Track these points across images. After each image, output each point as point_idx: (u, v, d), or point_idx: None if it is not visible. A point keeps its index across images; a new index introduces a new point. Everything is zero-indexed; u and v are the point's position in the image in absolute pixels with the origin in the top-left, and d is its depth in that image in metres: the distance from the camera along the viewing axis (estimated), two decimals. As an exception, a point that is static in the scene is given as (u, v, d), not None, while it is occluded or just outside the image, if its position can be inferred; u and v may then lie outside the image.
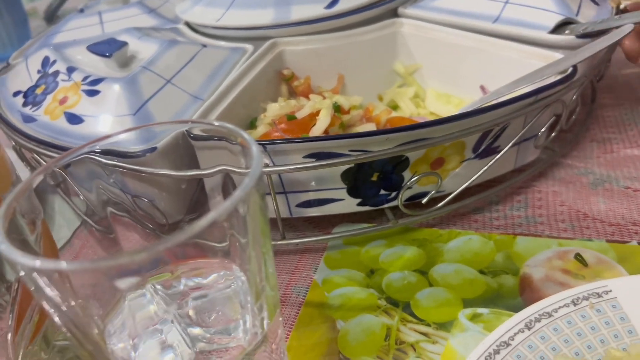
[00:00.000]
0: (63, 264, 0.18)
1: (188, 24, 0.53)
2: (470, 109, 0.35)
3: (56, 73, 0.43)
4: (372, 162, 0.35)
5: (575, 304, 0.29)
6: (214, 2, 0.50)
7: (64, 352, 0.32)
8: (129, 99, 0.39)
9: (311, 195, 0.37)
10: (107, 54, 0.43)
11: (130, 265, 0.18)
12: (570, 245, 0.36)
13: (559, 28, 0.42)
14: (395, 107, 0.48)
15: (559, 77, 0.37)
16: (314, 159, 0.34)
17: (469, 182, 0.37)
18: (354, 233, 0.39)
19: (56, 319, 0.20)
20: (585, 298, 0.29)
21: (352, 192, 0.37)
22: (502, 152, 0.37)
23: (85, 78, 0.41)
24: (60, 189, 0.29)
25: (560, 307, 0.29)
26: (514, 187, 0.42)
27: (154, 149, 0.32)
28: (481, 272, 0.35)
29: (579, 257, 0.35)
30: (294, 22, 0.46)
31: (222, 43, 0.48)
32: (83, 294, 0.19)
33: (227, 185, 0.26)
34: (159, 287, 0.25)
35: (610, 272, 0.34)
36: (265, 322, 0.22)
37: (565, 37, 0.41)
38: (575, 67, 0.38)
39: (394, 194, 0.37)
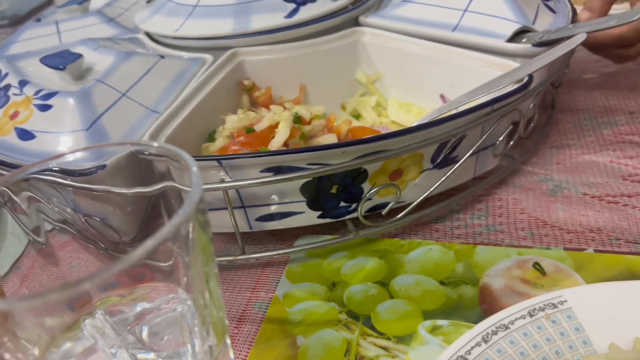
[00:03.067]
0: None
1: (148, 34, 0.52)
2: (426, 121, 0.35)
3: (7, 87, 0.42)
4: (330, 175, 0.34)
5: (531, 315, 0.29)
6: (173, 12, 0.49)
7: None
8: (82, 113, 0.38)
9: (271, 209, 0.37)
10: (61, 67, 0.42)
11: (69, 297, 0.18)
12: (529, 254, 0.36)
13: (516, 36, 0.42)
14: (357, 116, 0.48)
15: (515, 86, 0.37)
16: (271, 173, 0.34)
17: (428, 192, 0.37)
18: (316, 246, 0.39)
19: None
20: (541, 309, 0.29)
21: (312, 205, 0.37)
22: (460, 162, 0.37)
23: (37, 92, 0.40)
24: (8, 207, 0.28)
25: (516, 319, 0.29)
26: (475, 195, 0.42)
27: (103, 166, 0.31)
28: (441, 282, 0.35)
29: (537, 266, 0.35)
30: (253, 31, 0.46)
31: (182, 53, 0.47)
32: (16, 331, 0.19)
33: (175, 200, 0.26)
34: (106, 313, 0.24)
35: (568, 281, 0.34)
36: (213, 347, 0.22)
37: (522, 46, 0.41)
38: (531, 76, 0.38)
39: (354, 205, 0.37)
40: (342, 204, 0.37)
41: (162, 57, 0.45)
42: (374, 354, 0.31)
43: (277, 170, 0.34)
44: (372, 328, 0.33)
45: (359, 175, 0.35)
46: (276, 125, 0.39)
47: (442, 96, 0.45)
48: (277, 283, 0.38)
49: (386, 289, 0.36)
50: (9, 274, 0.32)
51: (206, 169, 0.34)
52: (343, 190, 0.36)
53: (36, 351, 0.21)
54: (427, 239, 0.39)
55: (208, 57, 0.46)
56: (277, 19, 0.46)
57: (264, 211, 0.37)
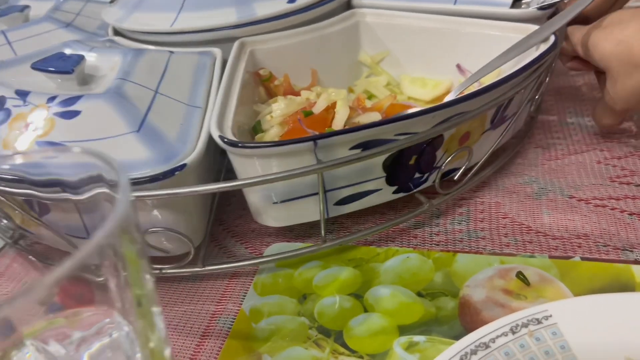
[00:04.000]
0: None
1: (120, 34, 0.49)
2: (495, 81, 0.35)
3: (1, 100, 0.36)
4: (411, 145, 0.34)
5: (513, 332, 0.27)
6: (158, 7, 0.46)
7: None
8: (124, 114, 0.34)
9: (349, 190, 0.36)
10: (70, 70, 0.37)
11: None
12: (512, 262, 0.34)
13: (515, 3, 0.43)
14: (370, 96, 0.47)
15: (544, 45, 0.38)
16: (360, 150, 0.33)
17: (491, 149, 0.39)
18: (287, 255, 0.36)
19: None
20: (525, 325, 0.27)
21: (390, 180, 0.36)
22: (515, 117, 0.39)
23: (50, 99, 0.35)
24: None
25: (498, 337, 0.27)
26: (457, 199, 0.40)
27: (182, 166, 0.31)
28: (419, 294, 0.33)
29: (520, 276, 0.33)
30: (259, 19, 0.44)
31: (181, 49, 0.44)
32: None
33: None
34: (37, 343, 0.22)
35: (553, 291, 0.32)
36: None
37: (527, 10, 0.43)
38: (555, 34, 0.39)
39: (426, 175, 0.37)
40: (417, 175, 0.37)
41: (172, 52, 0.42)
42: (345, 375, 0.29)
43: (365, 145, 0.33)
44: (344, 345, 0.31)
45: (436, 141, 0.35)
46: (333, 105, 0.38)
47: (458, 66, 0.45)
48: (244, 295, 0.35)
49: (360, 301, 0.33)
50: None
51: (295, 154, 0.33)
52: (420, 160, 0.36)
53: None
54: (405, 246, 0.37)
55: (216, 50, 0.44)
56: (281, 5, 0.44)
57: (344, 193, 0.36)
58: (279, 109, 0.39)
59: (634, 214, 0.37)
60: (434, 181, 0.37)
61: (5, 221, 0.27)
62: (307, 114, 0.38)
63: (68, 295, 0.20)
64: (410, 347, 0.30)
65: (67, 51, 0.41)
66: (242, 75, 0.41)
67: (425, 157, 0.36)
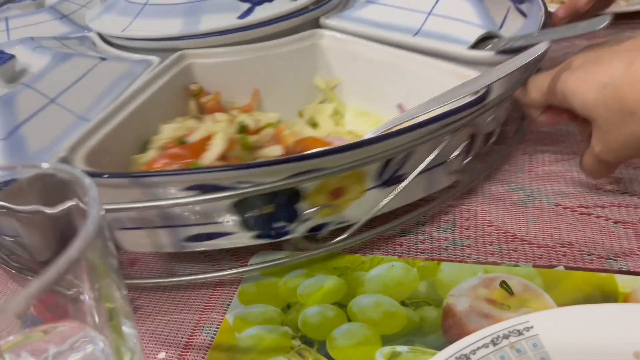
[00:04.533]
0: None
1: (99, 33, 0.49)
2: (372, 136, 0.32)
3: None
4: (260, 194, 0.31)
5: (494, 344, 0.27)
6: (123, 11, 0.46)
7: None
8: (2, 121, 0.34)
9: (199, 229, 0.34)
10: None
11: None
12: (496, 271, 0.34)
13: (482, 42, 0.40)
14: (315, 124, 0.45)
15: (471, 98, 0.34)
16: (196, 192, 0.31)
17: (372, 213, 0.34)
18: (270, 265, 0.36)
19: None
20: (506, 336, 0.27)
21: (246, 225, 0.34)
22: (406, 182, 0.34)
23: None
24: None
25: (478, 348, 0.27)
26: (443, 206, 0.40)
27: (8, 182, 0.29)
28: (403, 303, 0.33)
29: (504, 285, 0.33)
30: (203, 33, 0.43)
31: (129, 55, 0.44)
32: None
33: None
34: (15, 357, 0.22)
35: (536, 301, 0.32)
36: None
37: (484, 53, 0.39)
38: (488, 87, 0.35)
39: (293, 225, 0.34)
40: (279, 224, 0.34)
41: (104, 59, 0.42)
42: (327, 386, 0.29)
43: (201, 188, 0.30)
44: (327, 356, 0.31)
45: (293, 195, 0.32)
46: (210, 137, 0.36)
47: (399, 106, 0.42)
48: (229, 305, 0.35)
49: (344, 310, 0.33)
50: None
51: (121, 187, 0.31)
52: (279, 210, 0.33)
53: None
54: (390, 255, 0.37)
55: (154, 59, 0.43)
56: (229, 20, 0.43)
57: (194, 231, 0.34)
58: (166, 130, 0.38)
59: (619, 222, 0.37)
60: (303, 232, 0.34)
61: None
62: (182, 142, 0.37)
63: (44, 308, 0.20)
64: (392, 358, 0.30)
65: (15, 49, 0.42)
66: (159, 87, 0.40)
67: (283, 209, 0.33)
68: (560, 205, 0.39)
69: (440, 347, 0.29)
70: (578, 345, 0.26)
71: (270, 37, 0.45)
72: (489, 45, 0.39)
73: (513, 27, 0.41)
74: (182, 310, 0.35)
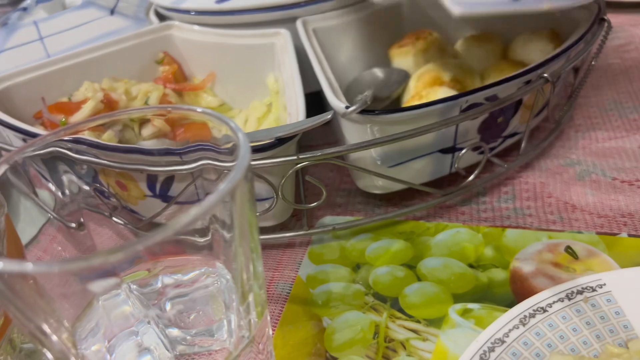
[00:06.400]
0: (29, 266, 0.16)
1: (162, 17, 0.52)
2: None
3: None
4: None
5: (569, 299, 0.28)
6: None
7: (32, 356, 0.30)
8: None
9: None
10: None
11: (104, 266, 0.17)
12: (560, 237, 0.35)
13: None
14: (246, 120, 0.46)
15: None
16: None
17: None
18: (341, 226, 0.38)
19: (20, 323, 0.19)
20: (580, 292, 0.29)
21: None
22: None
23: None
24: (24, 182, 0.26)
25: (554, 302, 0.28)
26: (501, 179, 0.41)
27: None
28: (470, 266, 0.34)
29: (569, 250, 0.34)
30: (184, 9, 0.47)
31: (135, 15, 0.51)
32: (50, 297, 0.18)
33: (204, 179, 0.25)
34: (134, 286, 0.23)
35: (602, 265, 0.33)
36: (253, 323, 0.21)
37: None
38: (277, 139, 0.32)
39: None
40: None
41: (112, 13, 0.48)
42: (404, 337, 0.31)
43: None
44: (401, 310, 0.32)
45: None
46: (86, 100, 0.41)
47: None
48: (300, 264, 0.37)
49: (413, 271, 0.35)
50: (28, 248, 0.31)
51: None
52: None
53: (67, 322, 0.20)
54: (454, 222, 0.38)
55: (154, 20, 0.49)
56: (208, 3, 0.46)
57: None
58: (84, 87, 0.43)
59: (677, 195, 0.38)
60: None
61: (108, 198, 0.29)
62: (69, 99, 0.43)
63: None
64: (465, 314, 0.31)
65: None
66: (129, 46, 0.47)
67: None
68: (617, 179, 0.40)
69: (510, 305, 0.30)
70: (650, 301, 0.28)
71: (251, 27, 0.46)
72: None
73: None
74: (255, 268, 0.37)
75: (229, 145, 0.21)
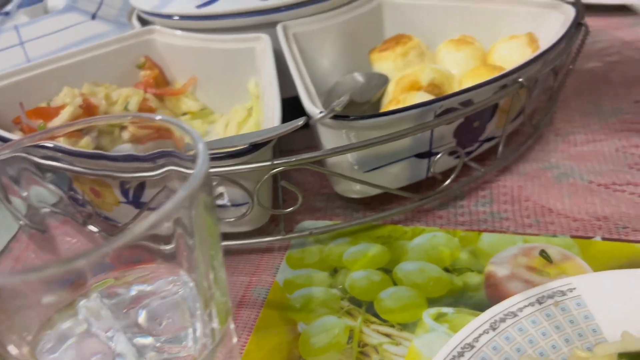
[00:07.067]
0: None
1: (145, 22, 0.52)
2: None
3: None
4: None
5: (540, 303, 0.29)
6: None
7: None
8: None
9: None
10: None
11: (66, 274, 0.17)
12: (535, 241, 0.35)
13: None
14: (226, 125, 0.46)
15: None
16: None
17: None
18: (319, 231, 0.38)
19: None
20: (550, 296, 0.29)
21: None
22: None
23: None
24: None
25: (525, 307, 0.28)
26: (479, 183, 0.42)
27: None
28: (446, 270, 0.35)
29: (544, 254, 0.34)
30: (165, 14, 0.47)
31: (115, 19, 0.50)
32: (9, 310, 0.18)
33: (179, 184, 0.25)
34: (102, 295, 0.23)
35: (575, 269, 0.33)
36: (216, 330, 0.21)
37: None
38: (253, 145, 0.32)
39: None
40: None
41: (94, 18, 0.48)
42: (378, 341, 0.31)
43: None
44: (375, 315, 0.32)
45: None
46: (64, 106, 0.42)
47: None
48: (277, 269, 0.37)
49: (389, 275, 0.35)
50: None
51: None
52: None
53: (28, 335, 0.20)
54: (431, 226, 0.38)
55: (136, 24, 0.49)
56: (189, 7, 0.46)
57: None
58: (64, 92, 0.43)
59: (652, 198, 0.38)
60: None
61: (83, 205, 0.29)
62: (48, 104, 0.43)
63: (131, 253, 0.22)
64: (439, 318, 0.32)
65: None
66: (111, 51, 0.47)
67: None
68: (593, 182, 0.40)
69: (484, 309, 0.30)
70: (619, 305, 0.28)
71: (232, 32, 0.46)
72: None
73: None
74: (233, 273, 0.37)
75: (192, 153, 0.21)
